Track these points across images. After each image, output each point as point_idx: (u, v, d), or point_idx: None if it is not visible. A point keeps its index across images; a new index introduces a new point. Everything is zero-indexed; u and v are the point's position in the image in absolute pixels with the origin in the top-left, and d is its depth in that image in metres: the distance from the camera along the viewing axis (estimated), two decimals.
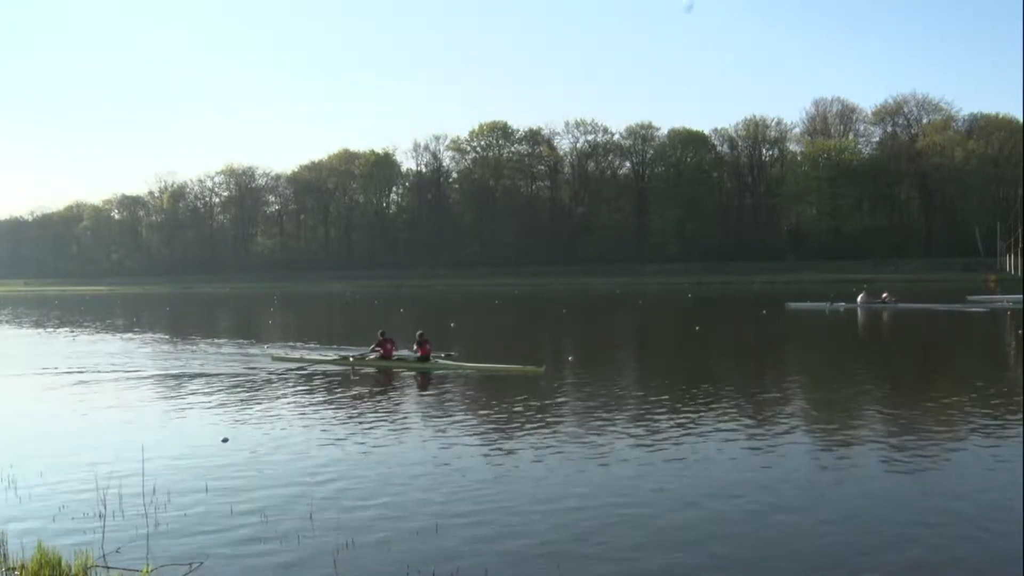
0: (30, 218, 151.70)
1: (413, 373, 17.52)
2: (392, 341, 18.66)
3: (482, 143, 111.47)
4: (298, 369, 18.42)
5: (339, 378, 16.99)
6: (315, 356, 20.09)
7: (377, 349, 18.52)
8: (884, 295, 38.33)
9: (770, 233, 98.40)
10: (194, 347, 24.75)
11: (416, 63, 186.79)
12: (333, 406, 13.73)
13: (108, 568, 6.18)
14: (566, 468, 9.29)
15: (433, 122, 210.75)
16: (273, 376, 17.42)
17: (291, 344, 24.53)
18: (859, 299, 38.41)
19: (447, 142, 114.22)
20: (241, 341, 26.22)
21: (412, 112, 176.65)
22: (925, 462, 9.40)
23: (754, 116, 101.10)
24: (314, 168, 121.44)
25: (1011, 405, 12.65)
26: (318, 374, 17.58)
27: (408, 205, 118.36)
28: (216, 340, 26.95)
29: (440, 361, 18.01)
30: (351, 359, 18.76)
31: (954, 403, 13.14)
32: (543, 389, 14.94)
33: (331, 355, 20.05)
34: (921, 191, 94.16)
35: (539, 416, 12.46)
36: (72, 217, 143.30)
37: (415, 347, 18.20)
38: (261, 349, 22.96)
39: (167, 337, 29.52)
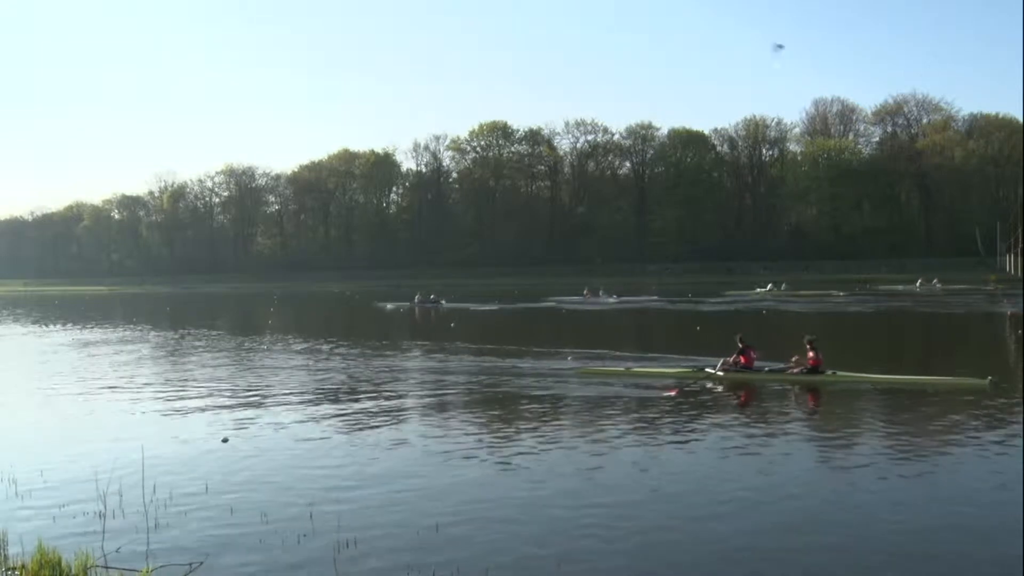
0: (30, 218, 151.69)
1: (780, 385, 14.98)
2: (754, 348, 16.19)
3: (482, 143, 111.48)
4: (608, 385, 15.27)
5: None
6: (637, 368, 16.83)
7: (737, 359, 15.95)
8: (432, 295, 46.13)
9: (770, 233, 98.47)
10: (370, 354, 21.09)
11: (416, 63, 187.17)
12: (340, 406, 13.69)
13: (108, 568, 6.18)
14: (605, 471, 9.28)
15: (433, 122, 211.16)
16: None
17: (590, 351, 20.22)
18: (415, 299, 45.49)
19: (447, 142, 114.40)
20: (544, 350, 20.88)
21: (412, 112, 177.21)
22: (924, 462, 9.41)
23: (754, 116, 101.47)
24: (314, 168, 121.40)
25: (1011, 405, 12.64)
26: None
27: (408, 205, 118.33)
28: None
29: (840, 374, 14.98)
30: (712, 371, 15.72)
31: (953, 403, 13.13)
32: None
33: (655, 367, 16.95)
34: (921, 191, 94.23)
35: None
36: (72, 217, 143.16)
37: (808, 355, 15.30)
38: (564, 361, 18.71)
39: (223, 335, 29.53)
